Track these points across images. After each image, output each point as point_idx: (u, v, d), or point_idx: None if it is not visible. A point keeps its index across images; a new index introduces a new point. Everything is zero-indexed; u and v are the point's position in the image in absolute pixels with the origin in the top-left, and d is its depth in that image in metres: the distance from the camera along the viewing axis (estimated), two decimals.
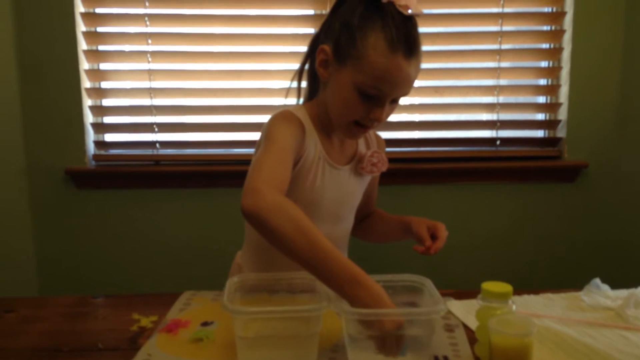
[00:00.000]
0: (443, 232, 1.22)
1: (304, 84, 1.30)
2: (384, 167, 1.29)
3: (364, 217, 1.44)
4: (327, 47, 1.13)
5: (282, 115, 1.17)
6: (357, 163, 1.28)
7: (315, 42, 1.21)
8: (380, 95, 1.09)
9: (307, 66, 1.27)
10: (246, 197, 0.95)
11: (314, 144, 1.19)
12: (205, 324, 1.05)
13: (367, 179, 1.34)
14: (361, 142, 1.31)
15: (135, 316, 1.10)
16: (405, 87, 1.10)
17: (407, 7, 1.05)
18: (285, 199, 0.96)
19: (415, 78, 1.11)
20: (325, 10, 1.93)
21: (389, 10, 1.06)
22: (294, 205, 0.95)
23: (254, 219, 0.94)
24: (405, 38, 1.05)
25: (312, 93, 1.28)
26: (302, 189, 1.19)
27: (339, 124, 1.17)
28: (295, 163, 1.16)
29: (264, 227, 0.93)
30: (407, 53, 1.05)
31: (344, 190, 1.27)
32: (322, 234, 0.92)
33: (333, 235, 1.27)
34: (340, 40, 1.10)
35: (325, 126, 1.22)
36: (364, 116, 1.11)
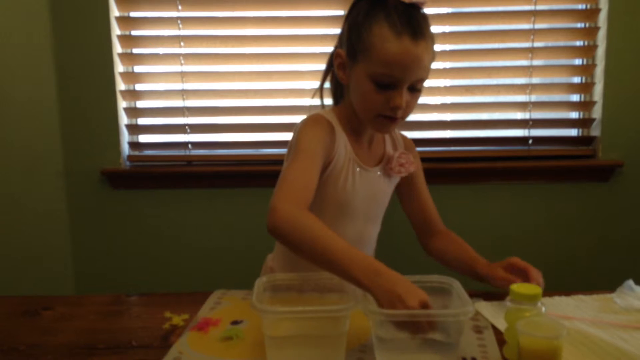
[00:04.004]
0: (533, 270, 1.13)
1: (327, 85, 1.34)
2: (412, 167, 1.31)
3: (432, 233, 1.39)
4: (341, 51, 1.19)
5: (312, 120, 1.21)
6: (385, 164, 1.29)
7: (334, 53, 1.26)
8: (394, 82, 1.10)
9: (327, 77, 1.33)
10: (268, 216, 1.02)
11: (343, 145, 1.22)
12: (235, 322, 1.07)
13: (396, 179, 1.35)
14: (388, 144, 1.33)
15: (168, 314, 1.13)
16: (418, 70, 1.11)
17: None
18: (300, 211, 1.02)
19: (429, 61, 1.12)
20: None
21: (391, 3, 1.10)
22: (309, 214, 1.01)
23: (275, 235, 1.02)
24: (409, 22, 1.08)
25: (340, 97, 1.31)
26: (333, 190, 1.22)
27: (366, 119, 1.19)
28: (327, 166, 1.19)
29: (285, 241, 1.02)
30: (412, 35, 1.07)
31: (374, 190, 1.29)
32: (342, 234, 0.97)
33: (364, 234, 1.31)
34: (350, 40, 1.15)
35: (355, 128, 1.24)
36: (385, 106, 1.13)
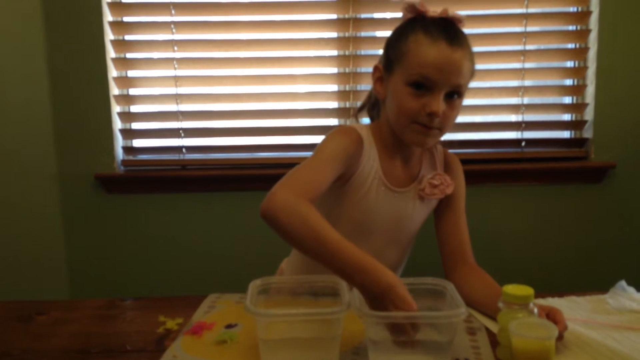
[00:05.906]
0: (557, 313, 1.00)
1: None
2: (448, 189, 1.24)
3: (460, 263, 1.26)
4: (378, 65, 1.20)
5: (341, 129, 1.20)
6: (417, 185, 1.24)
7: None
8: (430, 85, 1.09)
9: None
10: (264, 199, 1.00)
11: (371, 162, 1.19)
12: (229, 326, 1.07)
13: (432, 203, 1.28)
14: (426, 164, 1.27)
15: (162, 318, 1.13)
16: (454, 75, 1.09)
17: (445, 12, 1.12)
18: (297, 199, 0.99)
19: (467, 70, 1.11)
20: (348, 15, 1.94)
21: (428, 18, 1.12)
22: (307, 204, 0.99)
23: (266, 219, 0.99)
24: (445, 30, 1.09)
25: (377, 117, 1.30)
26: (351, 204, 1.20)
27: (401, 129, 1.15)
28: (348, 178, 1.17)
29: (275, 226, 0.98)
30: (449, 41, 1.08)
31: (401, 213, 1.24)
32: (345, 238, 0.94)
33: (383, 256, 1.19)
34: (387, 53, 1.17)
35: (388, 145, 1.21)
36: (420, 112, 1.10)
